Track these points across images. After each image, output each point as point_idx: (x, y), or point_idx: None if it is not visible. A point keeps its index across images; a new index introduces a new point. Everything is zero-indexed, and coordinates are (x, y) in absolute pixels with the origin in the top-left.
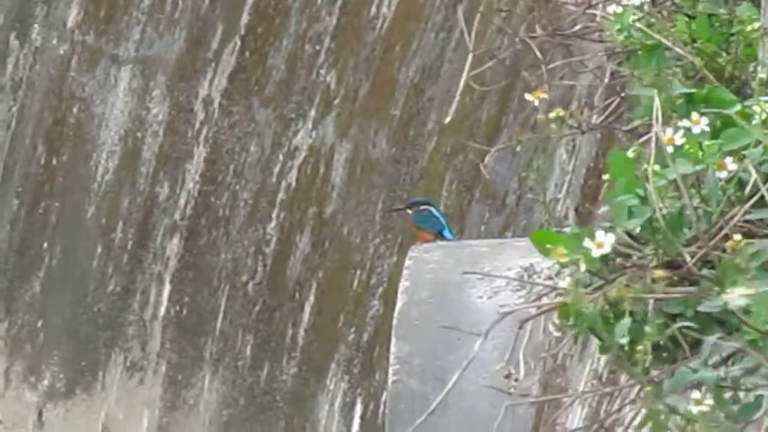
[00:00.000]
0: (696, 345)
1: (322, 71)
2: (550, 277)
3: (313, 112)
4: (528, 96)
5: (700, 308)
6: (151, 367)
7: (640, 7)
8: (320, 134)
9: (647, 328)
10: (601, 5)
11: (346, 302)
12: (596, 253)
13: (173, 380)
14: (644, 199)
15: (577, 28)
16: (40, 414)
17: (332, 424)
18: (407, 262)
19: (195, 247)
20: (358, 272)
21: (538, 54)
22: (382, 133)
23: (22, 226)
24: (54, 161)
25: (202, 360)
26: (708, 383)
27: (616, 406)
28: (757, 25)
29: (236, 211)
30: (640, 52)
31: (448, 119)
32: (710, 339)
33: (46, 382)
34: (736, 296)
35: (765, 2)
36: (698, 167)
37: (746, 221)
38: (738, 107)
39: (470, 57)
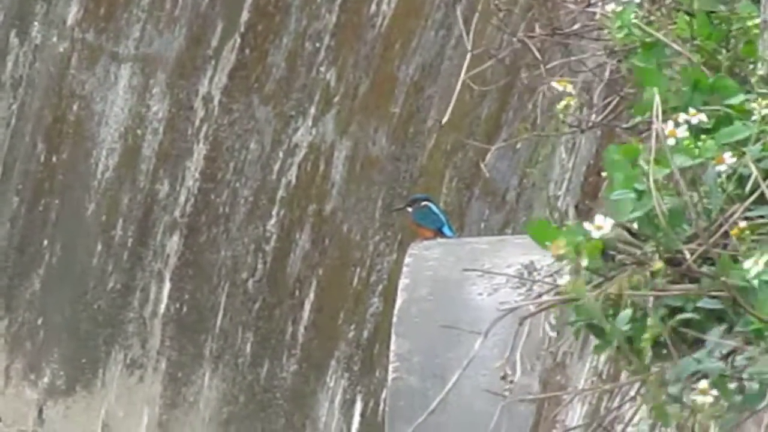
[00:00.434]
0: (696, 343)
1: (322, 69)
2: (550, 275)
3: (313, 110)
4: (555, 84)
5: (700, 304)
6: (151, 364)
7: (639, 5)
8: (320, 132)
9: (649, 321)
10: (600, 3)
11: (346, 299)
12: (596, 234)
13: (173, 377)
14: (642, 194)
15: (576, 26)
16: (40, 411)
17: (332, 421)
18: (407, 260)
19: (195, 244)
20: (358, 269)
21: (537, 55)
22: (381, 131)
23: (22, 224)
24: (54, 159)
25: (202, 357)
26: (712, 374)
27: (616, 404)
28: (757, 21)
29: (236, 208)
30: (639, 50)
31: (445, 120)
32: (713, 334)
33: (46, 380)
34: (761, 263)
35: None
36: (696, 161)
37: (746, 218)
38: (742, 97)
39: (468, 56)
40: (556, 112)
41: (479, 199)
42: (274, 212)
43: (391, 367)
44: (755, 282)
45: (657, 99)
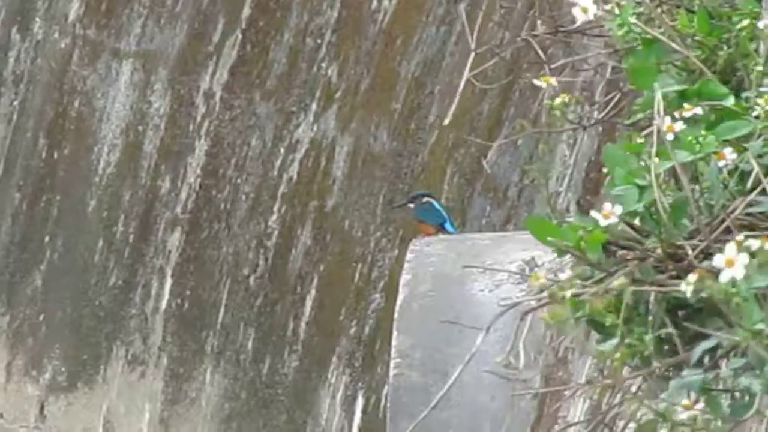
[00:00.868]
0: (697, 337)
1: (324, 65)
2: (551, 270)
3: (314, 106)
4: (536, 81)
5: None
6: (152, 360)
7: (640, 2)
8: (321, 128)
9: (650, 317)
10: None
11: (348, 295)
12: (603, 222)
13: (175, 374)
14: (643, 189)
15: (578, 23)
16: (41, 407)
17: (334, 417)
18: (409, 256)
19: (196, 240)
20: (360, 265)
21: (541, 54)
22: (383, 127)
23: (23, 220)
24: (55, 155)
25: (204, 353)
26: (694, 387)
27: (617, 399)
28: (759, 22)
29: (238, 204)
30: (639, 47)
31: (447, 121)
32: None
33: (47, 376)
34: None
35: None
36: (697, 155)
37: (748, 214)
38: (732, 100)
39: (472, 55)
40: (552, 108)
41: (481, 196)
42: (275, 208)
43: (392, 363)
44: (734, 290)
45: (659, 95)
